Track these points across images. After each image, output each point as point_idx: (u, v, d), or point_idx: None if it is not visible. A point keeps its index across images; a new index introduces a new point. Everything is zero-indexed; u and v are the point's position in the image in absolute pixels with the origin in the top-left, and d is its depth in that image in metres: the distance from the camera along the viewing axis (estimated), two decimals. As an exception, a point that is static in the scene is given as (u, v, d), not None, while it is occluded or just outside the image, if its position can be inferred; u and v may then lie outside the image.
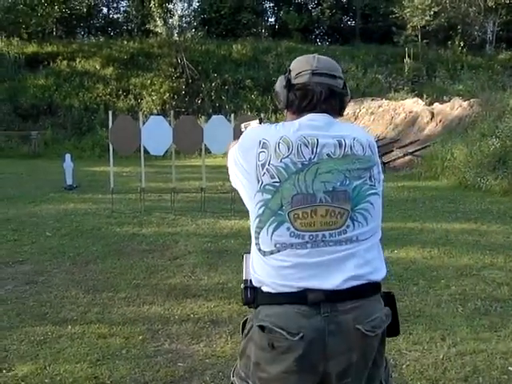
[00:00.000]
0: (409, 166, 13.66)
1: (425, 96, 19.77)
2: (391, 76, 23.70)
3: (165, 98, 20.95)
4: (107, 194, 8.50)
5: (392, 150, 14.64)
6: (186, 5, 28.95)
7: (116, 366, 3.20)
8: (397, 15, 26.16)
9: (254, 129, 1.71)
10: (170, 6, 25.59)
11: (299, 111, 1.68)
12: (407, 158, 14.10)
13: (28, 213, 7.92)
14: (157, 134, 7.61)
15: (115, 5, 31.55)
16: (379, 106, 18.27)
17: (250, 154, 1.61)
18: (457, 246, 6.02)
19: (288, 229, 1.54)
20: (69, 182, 10.44)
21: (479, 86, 20.66)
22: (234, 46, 24.45)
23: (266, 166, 1.56)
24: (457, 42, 26.44)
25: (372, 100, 19.12)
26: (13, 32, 24.27)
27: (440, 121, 15.32)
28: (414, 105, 17.29)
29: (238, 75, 21.41)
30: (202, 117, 18.35)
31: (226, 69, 21.49)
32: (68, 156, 10.72)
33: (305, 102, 1.66)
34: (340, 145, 1.59)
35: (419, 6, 25.75)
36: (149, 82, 21.82)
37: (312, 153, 1.56)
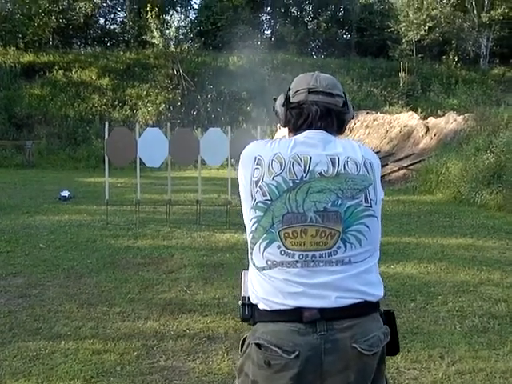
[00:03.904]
0: (404, 179, 13.68)
1: (419, 110, 19.89)
2: (386, 90, 23.84)
3: (160, 109, 20.96)
4: (102, 205, 8.45)
5: (387, 164, 14.66)
6: (182, 16, 29.16)
7: (110, 383, 3.15)
8: (392, 29, 26.41)
9: (252, 144, 1.69)
10: (167, 18, 25.70)
11: (296, 129, 1.69)
12: (402, 171, 14.12)
13: (22, 224, 7.86)
14: (153, 145, 7.58)
15: (112, 15, 31.60)
16: (374, 120, 18.32)
17: (247, 169, 1.62)
18: (453, 261, 6.01)
19: (279, 247, 1.54)
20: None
21: (473, 101, 20.81)
22: (230, 58, 24.52)
23: (260, 183, 1.57)
24: (451, 57, 26.72)
25: (367, 113, 19.17)
26: (9, 41, 24.26)
27: (435, 135, 15.36)
28: (408, 119, 17.34)
29: (234, 87, 21.44)
30: (199, 129, 18.34)
31: (221, 81, 21.50)
32: None
33: (300, 121, 1.67)
34: (333, 163, 1.57)
35: (414, 21, 26.02)
36: (145, 92, 21.84)
37: (304, 171, 1.55)
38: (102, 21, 31.32)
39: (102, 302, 4.49)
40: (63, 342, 3.67)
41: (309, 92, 1.67)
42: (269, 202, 1.55)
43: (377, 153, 15.92)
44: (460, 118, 14.72)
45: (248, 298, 1.64)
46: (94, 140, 18.83)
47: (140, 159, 7.80)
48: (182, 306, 4.42)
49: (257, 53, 24.32)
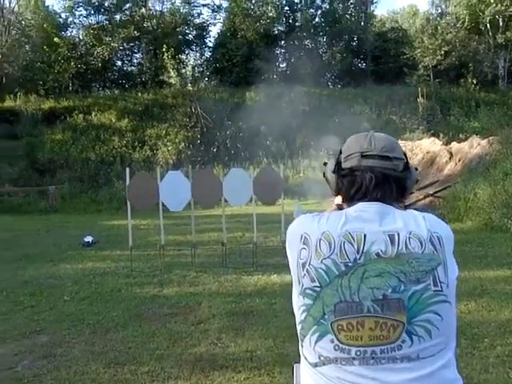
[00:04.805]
0: (430, 208, 13.34)
1: (441, 135, 19.65)
2: (405, 116, 23.66)
3: (180, 147, 21.04)
4: (126, 250, 8.31)
5: (412, 192, 14.34)
6: (198, 55, 29.63)
7: None
8: (408, 56, 26.40)
9: (298, 219, 1.48)
10: (183, 57, 26.10)
11: (349, 200, 1.48)
12: (428, 199, 13.80)
13: (46, 273, 7.74)
14: (175, 189, 7.45)
15: (129, 58, 32.17)
16: (396, 147, 18.07)
17: (293, 249, 1.42)
18: (494, 297, 5.70)
19: (332, 341, 1.32)
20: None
21: (496, 123, 20.52)
22: (247, 94, 24.67)
23: (307, 266, 1.36)
24: (469, 80, 26.53)
25: (388, 141, 18.93)
26: (30, 89, 24.78)
27: (459, 160, 15.07)
28: (431, 145, 17.09)
29: (252, 122, 21.46)
30: (219, 165, 18.34)
31: (239, 116, 21.56)
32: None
33: (353, 190, 1.45)
34: (392, 241, 1.33)
35: (429, 46, 26.02)
36: (164, 132, 21.99)
37: (358, 252, 1.33)
38: (119, 63, 31.91)
39: (130, 361, 4.28)
40: (90, 410, 3.47)
41: (362, 156, 1.46)
42: (318, 289, 1.34)
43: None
44: (484, 142, 14.42)
45: None
46: (115, 182, 18.90)
47: (162, 203, 7.69)
48: (213, 362, 4.18)
49: (273, 87, 24.40)
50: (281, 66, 32.92)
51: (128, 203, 7.80)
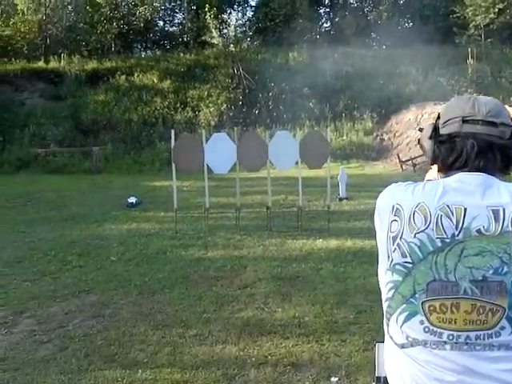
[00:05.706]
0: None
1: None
2: (454, 78, 22.77)
3: (222, 109, 20.84)
4: (169, 211, 8.33)
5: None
6: (240, 15, 29.09)
7: (192, 421, 2.92)
8: (458, 15, 25.26)
9: (389, 188, 1.34)
10: (225, 17, 25.62)
11: (446, 169, 1.32)
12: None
13: (92, 234, 7.85)
14: (220, 151, 7.36)
15: (171, 18, 31.85)
16: (443, 111, 17.48)
17: (383, 221, 1.28)
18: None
19: (422, 322, 1.21)
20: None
21: (550, 86, 19.59)
22: (290, 54, 24.13)
23: (398, 240, 1.23)
24: (523, 40, 25.26)
25: (435, 104, 18.35)
26: (74, 50, 24.89)
27: (511, 124, 14.49)
28: (481, 108, 16.46)
29: (295, 84, 21.03)
30: (261, 127, 18.15)
31: (282, 77, 21.14)
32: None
33: (452, 158, 1.30)
34: (496, 217, 1.19)
35: (482, 4, 24.77)
36: (206, 93, 21.79)
37: (456, 227, 1.19)
38: (161, 24, 31.62)
39: (178, 323, 4.28)
40: (140, 371, 3.48)
41: (463, 121, 1.29)
42: (409, 265, 1.21)
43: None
44: (539, 106, 13.79)
45: (384, 379, 1.32)
46: (157, 143, 18.94)
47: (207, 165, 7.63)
48: (260, 327, 4.14)
49: (316, 47, 23.78)
50: (324, 25, 32.07)
51: (173, 165, 7.77)
